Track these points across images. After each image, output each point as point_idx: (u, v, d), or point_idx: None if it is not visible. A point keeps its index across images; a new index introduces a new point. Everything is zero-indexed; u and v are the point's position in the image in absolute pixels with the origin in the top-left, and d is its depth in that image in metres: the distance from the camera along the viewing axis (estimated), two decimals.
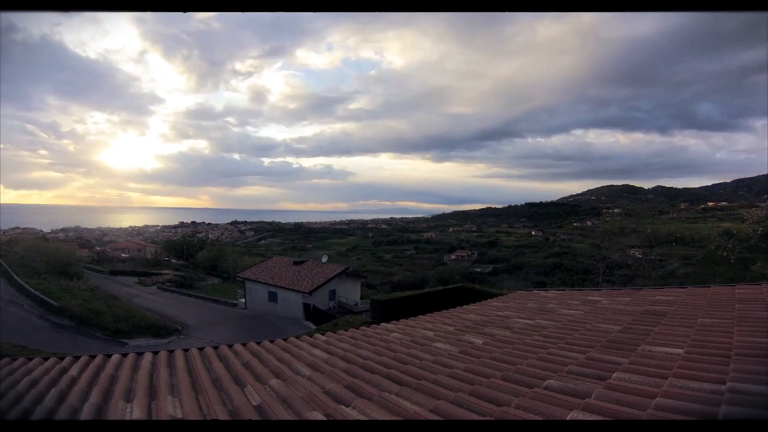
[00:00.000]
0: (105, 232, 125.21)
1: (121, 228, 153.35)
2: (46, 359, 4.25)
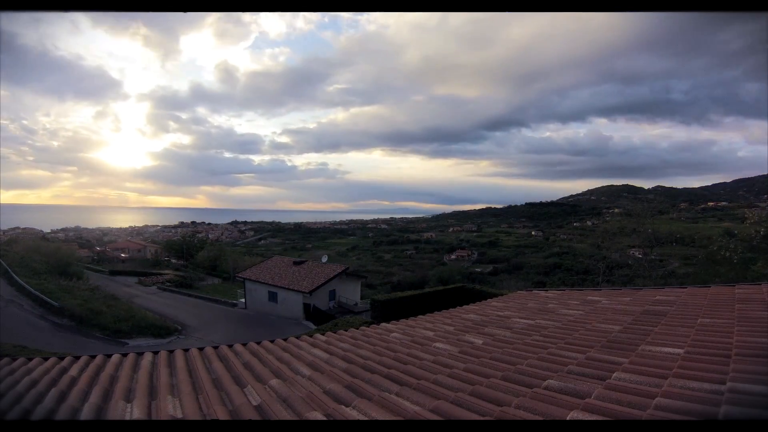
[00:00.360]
0: (105, 232, 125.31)
1: (121, 228, 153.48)
2: (46, 359, 4.25)
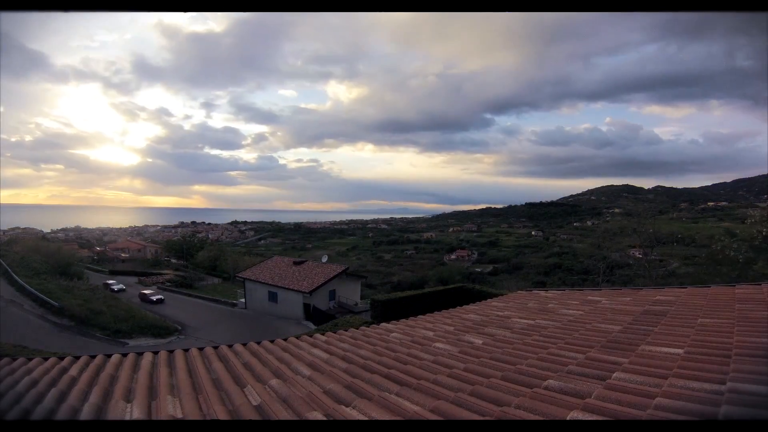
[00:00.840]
0: (105, 232, 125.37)
1: (121, 228, 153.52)
2: (46, 359, 4.25)
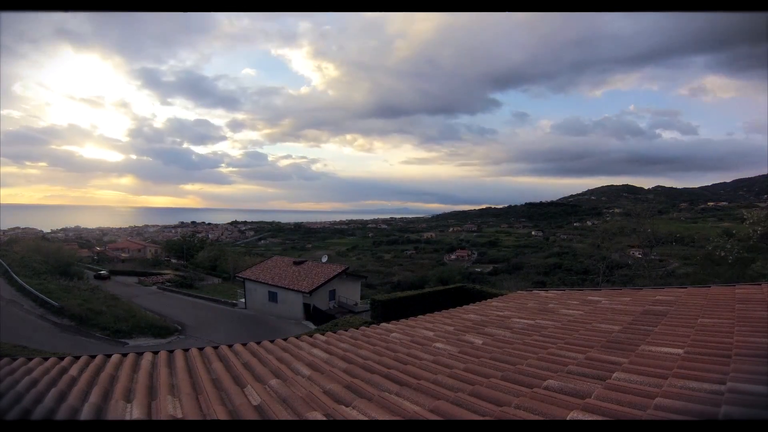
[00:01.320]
0: (105, 232, 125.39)
1: (120, 228, 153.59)
2: (46, 359, 4.25)
